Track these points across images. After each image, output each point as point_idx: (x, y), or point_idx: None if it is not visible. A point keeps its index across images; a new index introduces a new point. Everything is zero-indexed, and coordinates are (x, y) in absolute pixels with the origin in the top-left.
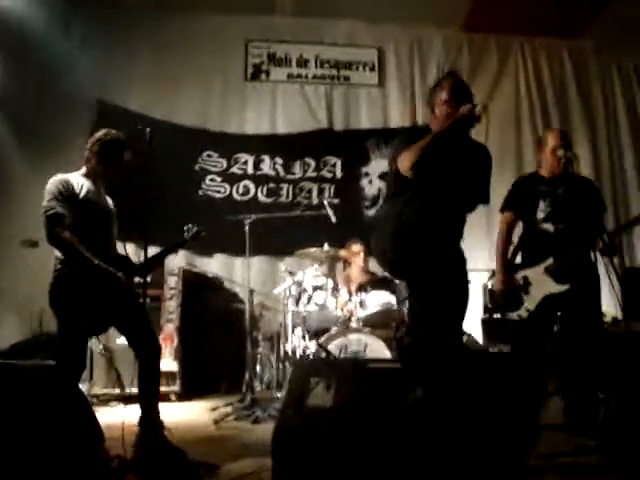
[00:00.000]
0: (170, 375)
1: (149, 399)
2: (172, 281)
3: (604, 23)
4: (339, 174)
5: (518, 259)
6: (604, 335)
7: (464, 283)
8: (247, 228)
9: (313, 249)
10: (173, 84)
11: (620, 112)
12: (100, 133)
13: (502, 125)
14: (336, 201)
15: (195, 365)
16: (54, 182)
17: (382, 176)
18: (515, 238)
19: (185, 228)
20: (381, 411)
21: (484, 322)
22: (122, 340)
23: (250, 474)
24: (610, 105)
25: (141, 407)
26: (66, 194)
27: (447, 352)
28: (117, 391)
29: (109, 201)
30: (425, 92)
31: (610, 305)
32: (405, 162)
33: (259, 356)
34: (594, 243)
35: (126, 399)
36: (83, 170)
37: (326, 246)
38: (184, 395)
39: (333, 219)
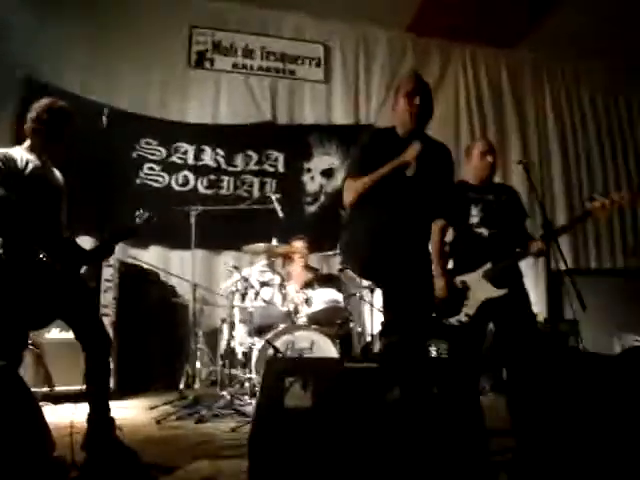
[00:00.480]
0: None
1: (99, 395)
2: (107, 273)
3: (539, 35)
4: (281, 169)
5: (450, 264)
6: (539, 335)
7: (432, 286)
8: (193, 220)
9: (262, 244)
10: (111, 65)
11: (549, 119)
12: (46, 101)
13: (441, 129)
14: (278, 196)
15: (130, 361)
16: None
17: (324, 172)
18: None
19: (137, 214)
20: (360, 411)
21: None
22: (52, 335)
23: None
24: (540, 112)
25: (90, 404)
26: (6, 171)
27: (421, 354)
28: (46, 389)
29: (58, 176)
30: (369, 90)
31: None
32: (348, 196)
33: (199, 352)
34: (528, 247)
35: (57, 399)
36: (27, 143)
37: (274, 241)
38: (117, 393)
39: (280, 214)
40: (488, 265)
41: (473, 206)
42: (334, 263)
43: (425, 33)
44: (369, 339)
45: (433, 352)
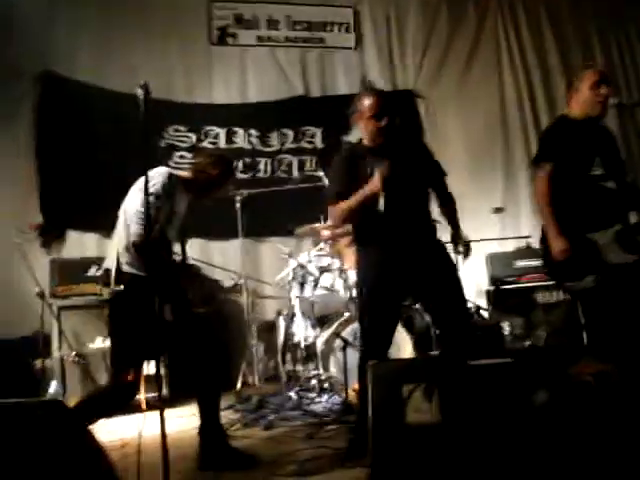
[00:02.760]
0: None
1: (211, 403)
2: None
3: None
4: (319, 144)
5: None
6: None
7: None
8: (239, 205)
9: (317, 225)
10: (130, 52)
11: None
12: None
13: (483, 88)
14: (319, 174)
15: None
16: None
17: None
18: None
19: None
20: (502, 421)
21: (490, 294)
22: (96, 344)
23: None
24: (588, 54)
25: (201, 415)
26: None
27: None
28: None
29: None
30: (404, 55)
31: None
32: (333, 221)
33: (254, 349)
34: None
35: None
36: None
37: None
38: (170, 400)
39: None
40: (618, 225)
41: (589, 152)
42: None
43: None
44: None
45: (506, 330)
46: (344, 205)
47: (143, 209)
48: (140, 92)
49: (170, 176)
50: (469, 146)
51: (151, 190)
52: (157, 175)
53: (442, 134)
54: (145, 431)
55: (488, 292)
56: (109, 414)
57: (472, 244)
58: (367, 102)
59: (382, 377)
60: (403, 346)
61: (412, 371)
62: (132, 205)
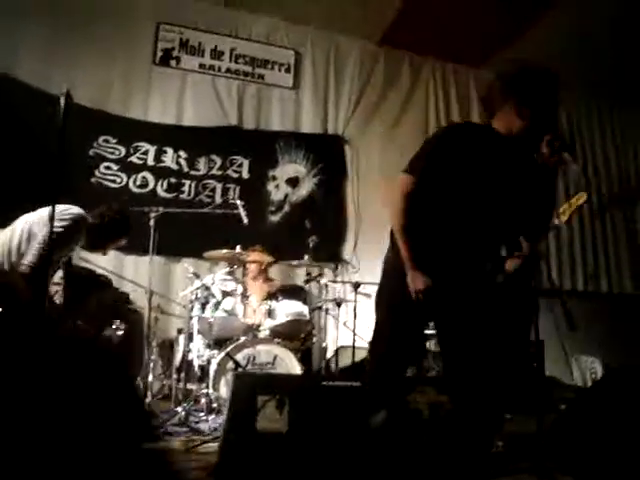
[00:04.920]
0: None
1: None
2: (56, 276)
3: (506, 56)
4: (245, 175)
5: None
6: None
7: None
8: (152, 222)
9: (227, 251)
10: (70, 57)
11: None
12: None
13: (411, 142)
14: (240, 203)
15: None
16: None
17: (289, 181)
18: None
19: None
20: (342, 435)
21: None
22: None
23: None
24: None
25: None
26: None
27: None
28: None
29: None
30: (338, 100)
31: None
32: (390, 191)
33: (152, 364)
34: None
35: None
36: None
37: (238, 248)
38: None
39: (245, 220)
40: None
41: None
42: (295, 275)
43: (397, 46)
44: (330, 354)
45: None
46: (397, 224)
47: (44, 244)
48: (62, 99)
49: (80, 222)
50: (386, 195)
51: (59, 229)
52: (70, 215)
53: (364, 180)
54: None
55: None
56: None
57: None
58: (548, 79)
59: (242, 387)
60: None
61: (269, 384)
62: (39, 231)
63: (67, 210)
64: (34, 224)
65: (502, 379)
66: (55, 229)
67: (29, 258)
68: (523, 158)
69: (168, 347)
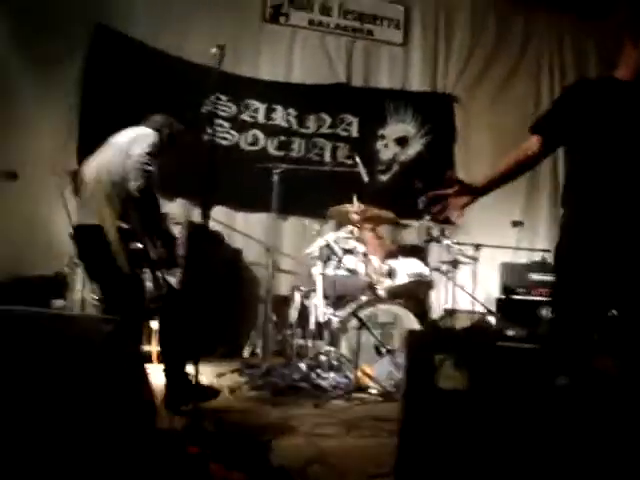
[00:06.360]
0: None
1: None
2: (175, 231)
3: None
4: (355, 133)
5: None
6: None
7: None
8: (276, 179)
9: (352, 205)
10: (182, 14)
11: None
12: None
13: (521, 98)
14: (349, 162)
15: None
16: None
17: (398, 140)
18: None
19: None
20: (523, 398)
21: (501, 302)
22: None
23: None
24: None
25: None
26: None
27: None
28: None
29: None
30: (448, 58)
31: None
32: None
33: (266, 320)
34: None
35: None
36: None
37: (357, 204)
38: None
39: (365, 178)
40: None
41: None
42: (405, 235)
43: None
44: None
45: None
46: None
47: (145, 162)
48: (215, 51)
49: (161, 139)
50: (497, 157)
51: (148, 149)
52: (148, 135)
53: (473, 142)
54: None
55: (499, 300)
56: None
57: (487, 251)
58: None
59: (418, 345)
60: None
61: (447, 343)
62: (128, 152)
63: (139, 131)
64: (126, 143)
65: None
66: (146, 148)
67: (134, 181)
68: None
69: (280, 304)
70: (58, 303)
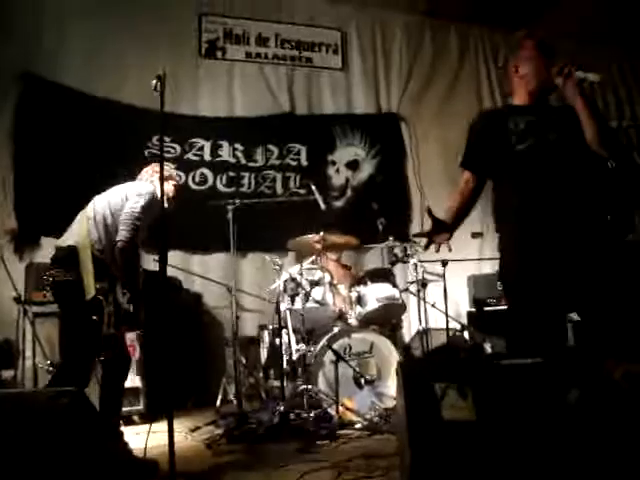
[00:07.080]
0: (133, 392)
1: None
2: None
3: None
4: (304, 162)
5: None
6: None
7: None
8: (231, 215)
9: (310, 235)
10: (115, 58)
11: None
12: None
13: (464, 115)
14: (302, 191)
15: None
16: None
17: (349, 165)
18: None
19: None
20: (537, 418)
21: (472, 315)
22: None
23: None
24: None
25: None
26: None
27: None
28: None
29: None
30: (389, 77)
31: None
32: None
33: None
34: None
35: None
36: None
37: (318, 233)
38: (147, 415)
39: (322, 205)
40: None
41: None
42: (364, 260)
43: (442, 16)
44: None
45: (488, 350)
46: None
47: (136, 215)
48: (155, 82)
49: (154, 193)
50: (448, 169)
51: (141, 202)
52: (144, 188)
53: (422, 157)
54: None
55: (469, 313)
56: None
57: (452, 265)
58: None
59: (413, 375)
60: None
61: (444, 370)
62: (120, 206)
63: (142, 186)
64: (110, 198)
65: None
66: (137, 203)
67: (123, 233)
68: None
69: (249, 346)
70: (7, 374)
